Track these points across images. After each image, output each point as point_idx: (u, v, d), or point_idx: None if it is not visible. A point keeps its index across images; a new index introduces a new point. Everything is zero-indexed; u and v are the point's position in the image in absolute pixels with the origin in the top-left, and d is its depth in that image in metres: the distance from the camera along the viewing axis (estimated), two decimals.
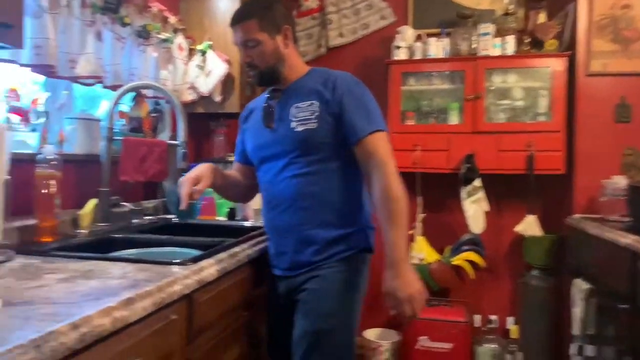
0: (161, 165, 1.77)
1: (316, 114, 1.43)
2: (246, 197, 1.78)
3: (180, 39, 2.34)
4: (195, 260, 1.30)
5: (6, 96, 1.50)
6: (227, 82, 2.43)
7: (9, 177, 1.23)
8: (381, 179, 1.38)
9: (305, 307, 1.42)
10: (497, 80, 2.80)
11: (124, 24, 1.92)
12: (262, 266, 1.65)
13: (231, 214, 2.16)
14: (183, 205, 1.43)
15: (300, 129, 1.43)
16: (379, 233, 1.43)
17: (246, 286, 1.57)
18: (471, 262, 2.69)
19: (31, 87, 1.71)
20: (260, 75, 1.49)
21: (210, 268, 1.31)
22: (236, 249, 1.52)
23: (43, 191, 1.48)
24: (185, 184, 1.45)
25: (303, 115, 1.44)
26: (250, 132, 1.60)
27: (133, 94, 2.13)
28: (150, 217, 2.03)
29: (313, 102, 1.44)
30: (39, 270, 1.15)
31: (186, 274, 1.19)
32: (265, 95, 1.58)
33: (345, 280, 1.42)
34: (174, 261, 1.27)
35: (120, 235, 1.69)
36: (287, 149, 1.45)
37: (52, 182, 1.49)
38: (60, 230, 1.55)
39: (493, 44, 2.77)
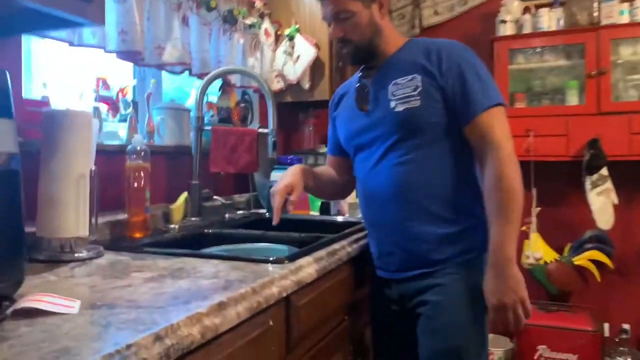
0: (251, 156, 1.65)
1: (419, 89, 1.21)
2: (344, 193, 1.60)
3: (266, 24, 2.22)
4: (293, 258, 1.14)
5: (95, 85, 1.44)
6: (316, 68, 2.28)
7: (94, 167, 1.15)
8: (494, 165, 1.16)
9: (431, 323, 1.21)
10: (626, 53, 2.40)
11: (210, 9, 1.82)
12: (362, 265, 1.48)
13: (324, 208, 2.01)
14: (275, 220, 1.29)
15: (400, 108, 1.23)
16: None
17: (347, 287, 1.40)
18: (596, 262, 2.34)
19: (120, 75, 1.66)
20: (355, 50, 1.29)
21: (308, 267, 1.14)
22: (335, 246, 1.34)
23: (134, 184, 1.40)
24: (277, 195, 1.30)
25: (404, 93, 1.23)
26: (342, 118, 1.41)
27: (220, 83, 2.04)
28: (243, 212, 1.92)
29: (415, 76, 1.23)
30: (127, 267, 1.05)
31: (283, 273, 1.03)
32: (357, 75, 1.39)
33: (471, 288, 1.19)
34: (270, 259, 1.12)
35: (212, 231, 1.59)
36: (386, 132, 1.26)
37: (142, 174, 1.41)
38: (151, 225, 1.47)
39: (619, 11, 2.39)
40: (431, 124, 1.22)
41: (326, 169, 1.54)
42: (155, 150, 1.65)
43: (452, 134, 1.23)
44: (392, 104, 1.24)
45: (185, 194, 1.64)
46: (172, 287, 0.90)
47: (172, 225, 1.55)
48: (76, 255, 1.13)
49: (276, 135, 1.60)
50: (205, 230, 1.57)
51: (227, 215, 1.80)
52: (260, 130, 1.70)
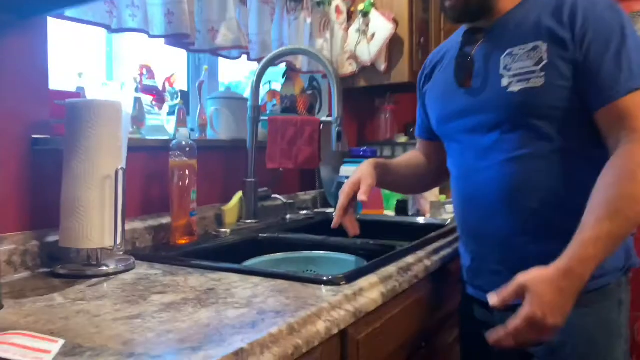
0: (312, 149, 1.43)
1: (543, 63, 0.90)
2: (435, 182, 1.34)
3: (338, 1, 1.98)
4: (351, 278, 0.91)
5: (139, 74, 1.30)
6: (393, 47, 2.01)
7: (123, 167, 0.99)
8: (632, 156, 0.83)
9: None
10: None
11: None
12: (444, 279, 1.21)
13: (401, 208, 1.74)
14: (335, 222, 1.08)
15: (516, 88, 0.93)
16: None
17: (424, 310, 1.14)
18: None
19: (172, 64, 1.52)
20: (465, 3, 0.99)
21: (372, 290, 0.90)
22: (409, 259, 1.09)
23: (178, 184, 1.24)
24: (341, 194, 1.08)
25: (522, 67, 0.92)
26: (435, 95, 1.13)
27: (284, 69, 1.84)
28: (307, 212, 1.71)
29: (538, 44, 0.92)
30: (151, 286, 0.88)
31: (336, 301, 0.80)
32: (457, 38, 1.08)
33: (603, 325, 0.89)
34: (323, 278, 0.90)
35: (267, 235, 1.39)
36: (495, 119, 0.96)
37: (187, 172, 1.24)
38: (198, 229, 1.31)
39: None
40: (555, 109, 0.91)
41: (409, 157, 1.28)
42: (209, 145, 1.49)
43: (582, 123, 0.91)
44: (505, 81, 0.94)
45: (239, 194, 1.46)
46: (189, 320, 0.70)
47: (224, 230, 1.37)
48: (101, 269, 0.98)
49: (342, 124, 1.37)
50: (260, 235, 1.38)
51: (288, 216, 1.60)
52: (324, 119, 1.47)
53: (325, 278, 0.89)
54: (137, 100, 1.26)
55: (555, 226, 0.92)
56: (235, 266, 1.00)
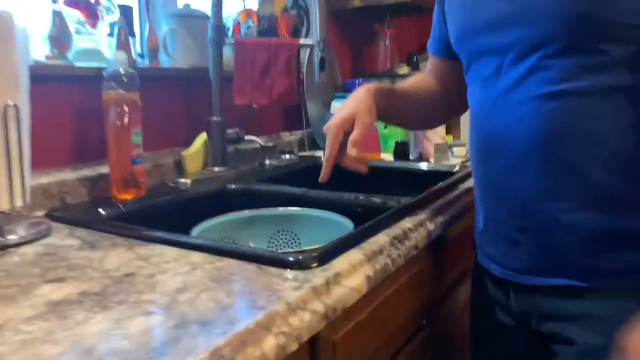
0: (290, 80, 1.15)
1: None
2: (450, 114, 1.05)
3: None
4: (328, 255, 0.67)
5: None
6: None
7: (12, 103, 0.72)
8: None
9: None
10: None
11: None
12: (451, 243, 0.99)
13: (400, 151, 1.47)
14: (323, 175, 0.84)
15: None
16: None
17: (424, 285, 0.91)
18: None
19: None
20: None
21: (354, 275, 0.66)
22: (406, 224, 0.84)
23: (116, 123, 0.98)
24: (329, 135, 0.82)
25: None
26: (458, 1, 0.83)
27: None
28: (290, 156, 1.45)
29: None
30: (51, 269, 0.64)
31: (298, 298, 0.56)
32: None
33: None
34: (288, 258, 0.65)
35: (237, 187, 1.14)
36: (539, 34, 0.67)
37: (125, 108, 0.97)
38: (158, 178, 1.07)
39: None
40: (632, 28, 0.62)
41: (416, 81, 0.99)
42: (163, 75, 1.22)
43: None
44: None
45: (203, 136, 1.20)
46: (67, 338, 0.46)
47: (184, 180, 1.12)
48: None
49: (325, 48, 1.08)
50: (228, 187, 1.14)
51: (267, 162, 1.35)
52: (304, 41, 1.18)
53: (291, 258, 0.65)
54: (57, 15, 0.97)
55: (603, 191, 0.66)
56: (175, 237, 0.75)
